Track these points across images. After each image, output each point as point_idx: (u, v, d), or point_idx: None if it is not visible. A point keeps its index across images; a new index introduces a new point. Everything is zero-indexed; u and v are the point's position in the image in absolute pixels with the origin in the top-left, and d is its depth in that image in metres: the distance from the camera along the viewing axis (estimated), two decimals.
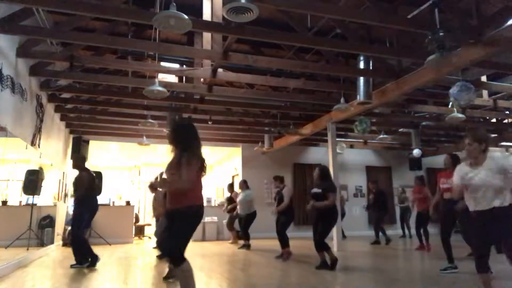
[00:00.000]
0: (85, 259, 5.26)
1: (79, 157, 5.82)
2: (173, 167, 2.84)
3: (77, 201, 5.40)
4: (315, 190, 5.34)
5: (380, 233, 8.78)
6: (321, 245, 5.11)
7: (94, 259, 5.28)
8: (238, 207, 8.24)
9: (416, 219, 7.57)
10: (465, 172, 3.03)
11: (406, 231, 10.16)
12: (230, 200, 9.04)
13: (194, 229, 2.87)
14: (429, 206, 7.09)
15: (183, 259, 2.73)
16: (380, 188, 9.37)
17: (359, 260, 6.46)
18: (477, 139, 2.99)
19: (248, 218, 7.90)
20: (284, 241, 6.30)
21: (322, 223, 5.17)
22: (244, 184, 8.27)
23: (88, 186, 5.34)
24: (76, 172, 5.62)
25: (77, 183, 5.39)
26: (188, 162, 2.75)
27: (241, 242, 8.30)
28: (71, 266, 5.24)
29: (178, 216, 2.78)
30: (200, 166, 2.87)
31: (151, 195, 7.11)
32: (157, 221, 6.54)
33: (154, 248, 6.98)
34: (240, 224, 8.21)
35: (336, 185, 6.03)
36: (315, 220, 5.31)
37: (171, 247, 2.77)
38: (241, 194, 8.20)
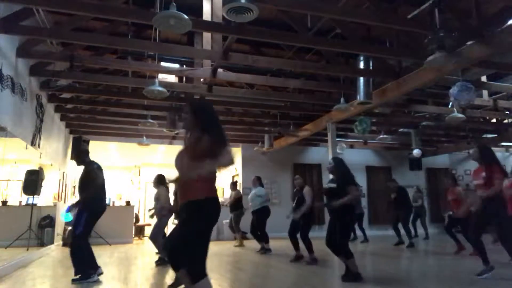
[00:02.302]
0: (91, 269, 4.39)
1: (82, 151, 5.02)
2: (189, 153, 2.38)
3: (85, 201, 4.45)
4: (330, 184, 4.68)
5: (400, 233, 8.20)
6: (343, 251, 4.36)
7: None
8: (249, 203, 7.66)
9: (448, 220, 7.05)
10: None
11: (420, 232, 9.71)
12: (238, 200, 8.62)
13: (211, 228, 2.41)
14: (464, 208, 6.30)
15: (203, 274, 2.19)
16: (400, 185, 8.67)
17: (360, 262, 6.44)
18: None
19: (260, 216, 7.33)
20: (310, 246, 5.76)
21: (340, 224, 4.43)
22: (257, 180, 7.76)
23: (99, 182, 4.53)
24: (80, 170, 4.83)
25: (85, 180, 4.52)
26: (210, 143, 2.28)
27: (245, 244, 8.18)
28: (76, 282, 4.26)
29: (191, 210, 2.31)
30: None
31: (151, 195, 6.98)
32: (159, 219, 6.26)
33: (158, 264, 5.76)
34: (252, 223, 7.59)
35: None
36: (332, 221, 4.58)
37: (188, 257, 2.21)
38: (253, 190, 7.70)
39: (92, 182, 4.44)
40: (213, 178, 2.43)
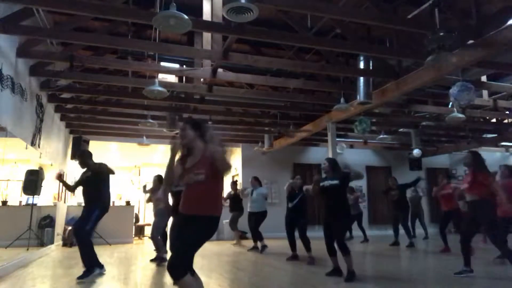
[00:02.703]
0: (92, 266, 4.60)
1: (85, 154, 5.06)
2: (199, 166, 2.49)
3: (91, 198, 4.73)
4: (330, 181, 4.58)
5: (398, 232, 8.20)
6: (342, 248, 4.44)
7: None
8: (248, 204, 7.78)
9: (442, 218, 7.15)
10: None
11: (420, 232, 9.67)
12: (237, 200, 8.68)
13: (205, 242, 2.52)
14: (455, 204, 6.72)
15: (184, 273, 2.34)
16: (400, 184, 8.41)
17: (360, 261, 6.45)
18: None
19: (259, 217, 7.45)
20: (308, 244, 5.86)
21: (337, 224, 4.52)
22: (256, 181, 7.83)
23: (101, 181, 4.82)
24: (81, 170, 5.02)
25: (89, 180, 4.77)
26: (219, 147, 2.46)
27: (244, 243, 8.18)
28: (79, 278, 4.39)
29: (195, 224, 2.44)
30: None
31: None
32: (155, 216, 6.26)
33: (157, 264, 5.90)
34: (250, 224, 7.71)
35: None
36: (326, 220, 4.67)
37: (177, 256, 2.40)
38: (254, 191, 7.74)
39: (103, 183, 4.81)
40: (220, 195, 2.64)
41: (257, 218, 7.48)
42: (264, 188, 7.80)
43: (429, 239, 9.56)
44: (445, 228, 7.06)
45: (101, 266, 4.78)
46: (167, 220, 6.25)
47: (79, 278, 4.36)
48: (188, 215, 2.50)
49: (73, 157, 9.01)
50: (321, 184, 4.71)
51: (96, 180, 4.76)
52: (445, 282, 4.37)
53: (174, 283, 2.42)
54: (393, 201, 8.47)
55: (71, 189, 5.19)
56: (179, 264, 2.36)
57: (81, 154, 5.10)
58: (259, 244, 7.49)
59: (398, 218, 8.28)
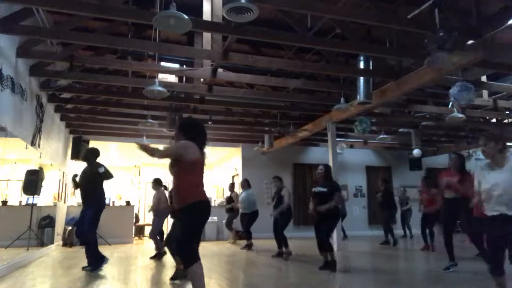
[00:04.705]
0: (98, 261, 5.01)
1: (91, 150, 5.39)
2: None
3: (88, 198, 5.05)
4: (320, 188, 5.04)
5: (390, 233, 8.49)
6: (326, 244, 4.97)
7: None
8: (240, 205, 8.19)
9: (421, 220, 7.40)
10: (483, 174, 2.94)
11: (407, 232, 10.08)
12: (230, 200, 9.03)
13: (202, 225, 3.01)
14: (436, 206, 6.98)
15: (196, 259, 2.76)
16: (388, 187, 8.99)
17: (360, 260, 6.46)
18: (492, 138, 2.89)
19: (250, 217, 7.85)
20: (285, 241, 6.42)
21: (325, 224, 5.01)
22: (245, 183, 8.25)
23: (95, 181, 5.08)
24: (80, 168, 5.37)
25: (89, 180, 5.07)
26: (185, 144, 2.90)
27: (240, 242, 8.29)
28: (86, 269, 4.91)
29: (186, 212, 2.87)
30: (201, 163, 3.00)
31: (151, 196, 7.13)
32: (155, 216, 6.57)
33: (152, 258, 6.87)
34: (242, 224, 8.13)
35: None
36: (317, 221, 5.09)
37: (183, 246, 2.80)
38: (243, 193, 8.14)
39: (100, 183, 5.07)
40: (197, 184, 2.96)
41: (249, 218, 7.88)
42: (251, 191, 8.16)
43: (409, 239, 9.79)
44: (425, 229, 7.35)
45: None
46: (164, 220, 6.56)
47: (91, 270, 4.81)
48: (179, 208, 2.97)
49: (73, 157, 9.01)
50: (313, 189, 5.18)
51: (96, 181, 5.03)
52: (442, 279, 4.37)
53: (185, 268, 2.84)
54: (378, 203, 8.85)
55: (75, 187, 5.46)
56: (184, 248, 2.77)
57: (87, 154, 5.39)
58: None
59: (386, 219, 8.65)
